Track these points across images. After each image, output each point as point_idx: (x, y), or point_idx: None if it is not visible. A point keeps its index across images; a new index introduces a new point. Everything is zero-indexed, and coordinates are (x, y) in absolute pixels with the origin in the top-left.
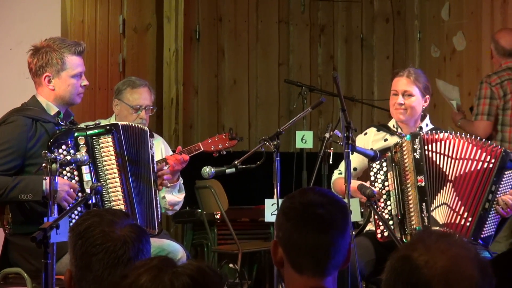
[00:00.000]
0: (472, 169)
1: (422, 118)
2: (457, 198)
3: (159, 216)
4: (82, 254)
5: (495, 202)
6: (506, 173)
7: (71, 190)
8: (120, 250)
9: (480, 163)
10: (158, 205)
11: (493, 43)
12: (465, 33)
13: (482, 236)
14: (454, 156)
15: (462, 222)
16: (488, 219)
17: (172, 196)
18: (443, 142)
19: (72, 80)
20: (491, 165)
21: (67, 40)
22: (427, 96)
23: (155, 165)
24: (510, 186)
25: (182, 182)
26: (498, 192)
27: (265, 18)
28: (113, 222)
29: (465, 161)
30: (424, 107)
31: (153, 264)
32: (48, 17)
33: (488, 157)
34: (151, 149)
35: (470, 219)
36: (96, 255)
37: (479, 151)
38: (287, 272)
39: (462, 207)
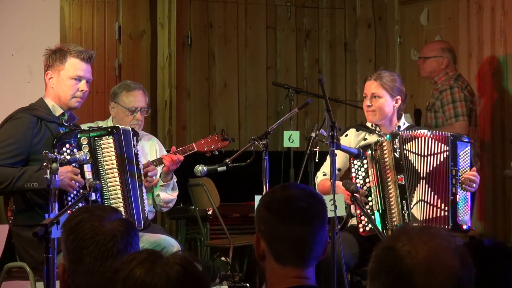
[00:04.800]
0: (438, 162)
1: (399, 117)
2: (432, 193)
3: (146, 211)
4: (74, 248)
5: (459, 183)
6: (460, 153)
7: (74, 175)
8: (110, 243)
9: (441, 154)
10: (145, 200)
11: (451, 53)
12: (443, 37)
13: (459, 218)
14: (423, 154)
15: (443, 214)
16: (459, 201)
17: (166, 194)
18: (415, 141)
19: (70, 81)
20: (447, 152)
21: (80, 47)
22: (398, 97)
23: (139, 161)
24: (469, 163)
25: (175, 180)
26: (459, 173)
27: (253, 24)
28: (103, 217)
29: (432, 156)
30: (396, 108)
31: (143, 257)
32: (48, 25)
33: (443, 146)
34: (134, 147)
35: (446, 208)
36: (87, 248)
37: (438, 143)
38: (269, 264)
39: (439, 200)
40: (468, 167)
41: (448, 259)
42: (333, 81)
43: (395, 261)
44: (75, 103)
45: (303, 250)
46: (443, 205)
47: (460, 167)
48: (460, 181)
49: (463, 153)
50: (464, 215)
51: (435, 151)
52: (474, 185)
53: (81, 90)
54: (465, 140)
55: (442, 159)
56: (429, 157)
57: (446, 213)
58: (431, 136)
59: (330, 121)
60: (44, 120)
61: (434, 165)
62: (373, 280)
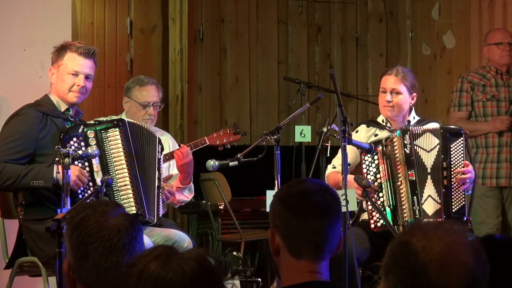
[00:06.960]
0: (435, 156)
1: (409, 112)
2: (433, 187)
3: (160, 210)
4: (78, 244)
5: (452, 177)
6: (451, 146)
7: (82, 175)
8: (115, 238)
9: (435, 148)
10: (160, 200)
11: None
12: (455, 32)
13: (453, 210)
14: (427, 149)
15: (438, 207)
16: (452, 193)
17: (182, 196)
18: (423, 136)
19: (67, 76)
20: (438, 146)
21: (82, 43)
22: (414, 94)
23: (161, 167)
24: (462, 155)
25: (192, 185)
26: (452, 165)
27: (265, 19)
28: (106, 212)
29: (432, 150)
30: (411, 104)
31: (159, 252)
32: (60, 20)
33: (435, 139)
34: (159, 153)
35: (440, 201)
36: (92, 244)
37: (433, 137)
38: (284, 259)
39: (436, 194)
40: (462, 160)
41: (463, 255)
42: (345, 75)
43: (410, 256)
44: (74, 98)
45: (319, 242)
46: (438, 198)
47: (451, 160)
48: (452, 175)
49: (455, 145)
50: (458, 207)
51: (433, 145)
52: (467, 180)
53: (78, 85)
54: (458, 132)
55: (436, 153)
56: (431, 151)
57: (439, 206)
58: (432, 130)
59: (341, 116)
60: (49, 115)
61: (433, 159)
62: (387, 275)
